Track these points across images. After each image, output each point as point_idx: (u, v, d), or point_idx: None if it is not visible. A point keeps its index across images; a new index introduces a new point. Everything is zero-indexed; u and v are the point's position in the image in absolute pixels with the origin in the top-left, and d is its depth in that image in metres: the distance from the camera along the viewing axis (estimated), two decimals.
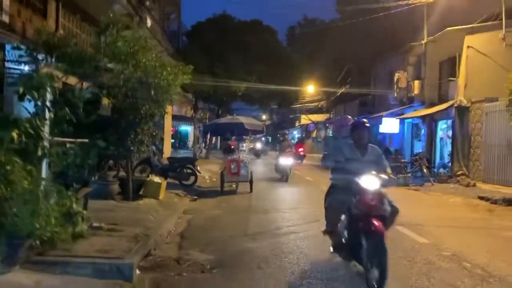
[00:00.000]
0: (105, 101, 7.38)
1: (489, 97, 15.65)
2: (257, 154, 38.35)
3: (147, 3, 17.48)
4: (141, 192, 9.74)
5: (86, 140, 7.10)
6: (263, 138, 56.27)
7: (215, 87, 26.63)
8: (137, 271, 4.91)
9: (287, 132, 29.69)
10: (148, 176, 10.69)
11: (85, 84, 6.75)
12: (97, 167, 9.71)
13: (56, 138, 5.63)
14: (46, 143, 5.33)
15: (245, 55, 26.52)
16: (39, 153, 5.13)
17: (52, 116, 5.39)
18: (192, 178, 12.95)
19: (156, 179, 10.22)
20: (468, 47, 16.92)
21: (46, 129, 5.42)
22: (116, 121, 8.58)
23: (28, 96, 5.14)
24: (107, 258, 4.88)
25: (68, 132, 7.66)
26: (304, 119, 48.49)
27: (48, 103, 5.30)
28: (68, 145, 5.95)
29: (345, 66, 31.95)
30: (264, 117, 67.15)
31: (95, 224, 6.44)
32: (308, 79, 35.27)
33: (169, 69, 8.47)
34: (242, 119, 14.09)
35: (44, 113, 5.33)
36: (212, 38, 26.87)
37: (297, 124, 55.19)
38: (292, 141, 39.58)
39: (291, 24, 44.68)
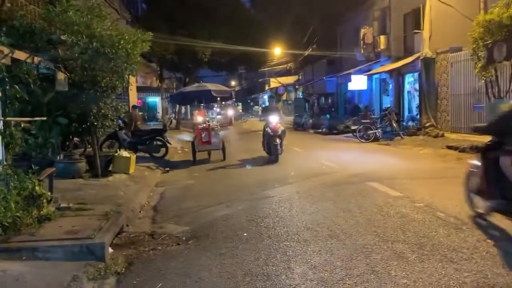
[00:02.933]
0: (61, 75, 6.96)
1: (453, 46, 15.78)
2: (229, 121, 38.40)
3: None
4: (110, 168, 9.48)
5: (44, 118, 6.74)
6: (235, 104, 55.91)
7: (180, 54, 25.96)
8: (110, 250, 4.75)
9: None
10: (116, 152, 10.41)
11: (36, 59, 6.30)
12: (62, 146, 9.35)
13: (9, 118, 5.28)
14: None
15: (208, 18, 25.81)
16: None
17: (0, 95, 5.01)
18: (163, 150, 12.70)
19: (125, 153, 9.95)
20: None
21: None
22: (76, 96, 8.20)
23: None
24: (76, 239, 4.68)
25: (26, 111, 7.32)
26: (274, 83, 48.22)
27: None
28: (22, 125, 5.57)
29: (311, 26, 31.54)
30: (233, 83, 66.44)
31: (63, 205, 6.20)
32: (274, 41, 34.76)
33: (126, 37, 8.05)
34: (209, 85, 13.74)
35: None
36: (173, 3, 25.92)
37: (266, 88, 54.90)
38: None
39: None
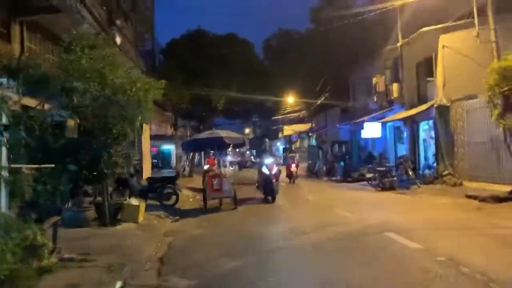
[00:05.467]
0: (71, 122, 6.95)
1: (468, 94, 15.62)
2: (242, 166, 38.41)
3: (118, 22, 17.15)
4: (118, 217, 9.26)
5: (52, 166, 6.64)
6: (247, 152, 56.04)
7: (194, 102, 26.32)
8: None
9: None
10: (126, 200, 10.23)
11: (46, 106, 6.29)
12: (71, 193, 9.22)
13: (14, 165, 5.18)
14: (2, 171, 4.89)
15: (222, 69, 26.30)
16: None
17: (6, 141, 4.93)
18: (174, 198, 12.48)
19: (134, 201, 9.75)
20: (443, 46, 16.95)
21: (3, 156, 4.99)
22: (87, 143, 8.15)
23: None
24: None
25: (36, 158, 7.26)
26: (287, 130, 48.39)
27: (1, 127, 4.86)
28: (26, 171, 5.45)
29: (323, 75, 31.95)
30: (247, 130, 66.92)
31: (66, 256, 5.98)
32: (287, 90, 35.24)
33: (139, 85, 8.09)
34: (221, 133, 13.72)
35: None
36: (188, 54, 26.64)
37: (280, 135, 55.05)
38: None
39: (267, 36, 44.56)
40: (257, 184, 13.11)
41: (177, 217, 10.88)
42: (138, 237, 8.02)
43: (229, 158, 51.55)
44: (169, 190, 12.48)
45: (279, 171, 12.78)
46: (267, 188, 12.33)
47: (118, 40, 13.64)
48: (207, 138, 13.79)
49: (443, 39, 17.01)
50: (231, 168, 36.51)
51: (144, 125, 15.51)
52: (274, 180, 12.43)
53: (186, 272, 5.83)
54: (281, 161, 27.93)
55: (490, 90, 11.40)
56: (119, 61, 8.66)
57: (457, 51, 16.46)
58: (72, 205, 9.08)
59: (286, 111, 42.75)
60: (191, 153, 29.76)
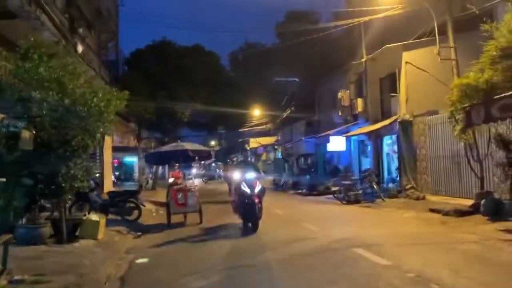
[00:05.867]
0: (26, 134, 6.52)
1: (430, 110, 16.02)
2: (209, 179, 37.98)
3: (80, 30, 16.61)
4: (77, 233, 8.78)
5: (4, 180, 6.20)
6: (213, 164, 55.47)
7: (159, 114, 25.87)
8: None
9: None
10: (85, 215, 9.73)
11: (0, 115, 5.88)
12: (26, 208, 8.68)
13: None
14: None
15: (187, 80, 26.04)
16: None
17: None
18: (136, 213, 12.04)
19: (94, 217, 9.28)
20: (406, 63, 17.39)
21: None
22: (44, 156, 7.70)
23: None
24: None
25: None
26: (253, 143, 48.31)
27: None
28: None
29: (289, 88, 32.18)
30: (213, 143, 66.38)
31: (17, 277, 5.55)
32: (253, 102, 35.27)
33: (100, 95, 7.74)
34: (186, 145, 13.40)
35: None
36: (153, 65, 26.23)
37: (246, 147, 54.92)
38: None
39: (233, 49, 44.64)
40: (233, 204, 10.60)
41: (140, 233, 10.46)
42: (97, 255, 7.60)
43: (194, 171, 50.90)
44: (131, 205, 12.04)
45: (264, 190, 10.26)
46: (248, 212, 9.80)
47: (80, 48, 13.15)
48: (171, 151, 13.43)
49: (406, 56, 17.45)
50: (196, 180, 35.96)
51: (107, 137, 15.01)
52: (256, 201, 9.80)
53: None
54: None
55: (452, 106, 11.65)
56: (80, 70, 8.27)
57: (419, 68, 16.90)
58: (27, 221, 8.54)
59: (252, 124, 42.79)
60: (155, 166, 29.15)
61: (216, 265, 6.91)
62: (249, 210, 9.76)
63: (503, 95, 9.24)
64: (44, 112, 6.93)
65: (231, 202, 10.50)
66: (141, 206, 12.34)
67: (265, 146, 45.39)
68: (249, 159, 11.38)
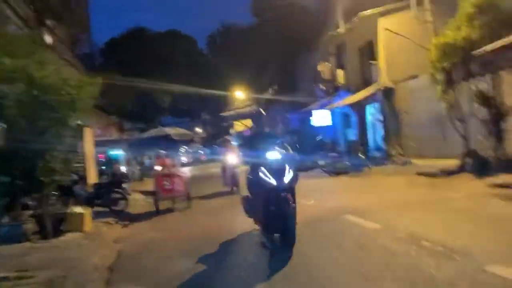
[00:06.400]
0: None
1: (411, 75, 15.97)
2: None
3: (48, 22, 16.06)
4: (62, 227, 8.57)
5: None
6: (200, 151, 55.19)
7: (139, 103, 25.47)
8: None
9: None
10: (71, 208, 9.50)
11: None
12: (8, 207, 8.43)
13: None
14: None
15: (166, 67, 25.61)
16: None
17: None
18: (123, 203, 11.82)
19: (78, 209, 9.06)
20: (383, 29, 17.23)
21: None
22: (18, 150, 7.43)
23: None
24: None
25: None
26: (238, 126, 48.04)
27: None
28: None
29: (270, 67, 31.83)
30: (198, 130, 65.93)
31: (0, 275, 5.36)
32: (235, 85, 34.89)
33: (72, 83, 7.45)
34: (168, 130, 13.15)
35: None
36: (129, 53, 25.71)
37: (231, 131, 54.64)
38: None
39: (211, 32, 43.96)
40: (245, 205, 6.79)
41: (127, 222, 10.27)
42: (84, 247, 7.43)
43: (183, 158, 50.57)
44: (117, 195, 11.80)
45: (297, 177, 6.15)
46: (275, 218, 5.72)
47: (49, 40, 12.71)
48: (153, 137, 13.18)
49: (383, 22, 17.29)
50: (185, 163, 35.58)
51: (86, 129, 14.64)
52: (290, 200, 5.75)
53: (137, 278, 5.39)
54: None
55: (432, 67, 11.58)
56: (48, 59, 7.94)
57: (397, 33, 16.76)
58: (9, 220, 8.30)
59: (235, 107, 42.46)
60: (141, 156, 28.81)
61: (204, 246, 6.77)
62: (277, 214, 5.66)
63: (481, 50, 9.19)
64: (12, 104, 6.64)
65: (242, 199, 6.87)
66: (128, 196, 12.11)
67: (251, 128, 45.16)
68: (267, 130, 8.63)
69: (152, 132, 14.00)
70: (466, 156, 11.42)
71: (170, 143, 12.90)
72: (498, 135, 10.69)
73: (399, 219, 6.72)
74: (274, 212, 5.70)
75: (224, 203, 11.57)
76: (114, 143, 30.11)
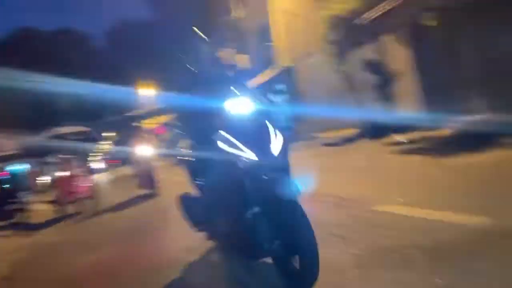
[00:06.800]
0: None
1: (309, 52, 16.50)
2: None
3: None
4: None
5: None
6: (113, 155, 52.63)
7: (35, 110, 23.70)
8: None
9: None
10: None
11: None
12: None
13: None
14: None
15: (60, 68, 24.00)
16: None
17: None
18: (21, 215, 10.91)
19: None
20: (276, 9, 17.60)
21: None
22: None
23: None
24: None
25: None
26: (149, 124, 46.60)
27: None
28: None
29: (173, 58, 31.22)
30: (108, 134, 62.88)
31: None
32: (141, 83, 33.71)
33: None
34: (61, 130, 12.25)
35: None
36: (17, 56, 23.70)
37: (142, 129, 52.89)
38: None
39: (108, 27, 42.08)
40: (187, 210, 3.97)
41: (27, 232, 9.48)
42: None
43: (93, 165, 47.75)
44: (13, 207, 10.87)
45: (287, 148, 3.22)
46: (260, 230, 2.99)
47: None
48: (51, 141, 12.24)
49: (275, 2, 17.62)
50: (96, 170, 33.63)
51: None
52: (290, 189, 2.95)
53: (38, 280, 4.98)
54: None
55: (323, 41, 12.04)
56: None
57: (290, 13, 17.19)
58: None
59: (146, 106, 41.16)
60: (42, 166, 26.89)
61: (115, 240, 6.45)
62: (270, 222, 3.00)
63: (363, 18, 9.70)
64: None
65: (179, 199, 4.10)
66: (26, 207, 11.19)
67: (166, 124, 43.95)
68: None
69: (44, 136, 12.97)
70: (363, 123, 12.10)
71: (74, 147, 12.07)
72: (387, 99, 11.43)
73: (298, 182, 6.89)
74: (260, 217, 2.97)
75: (143, 213, 8.70)
76: (16, 158, 27.75)
